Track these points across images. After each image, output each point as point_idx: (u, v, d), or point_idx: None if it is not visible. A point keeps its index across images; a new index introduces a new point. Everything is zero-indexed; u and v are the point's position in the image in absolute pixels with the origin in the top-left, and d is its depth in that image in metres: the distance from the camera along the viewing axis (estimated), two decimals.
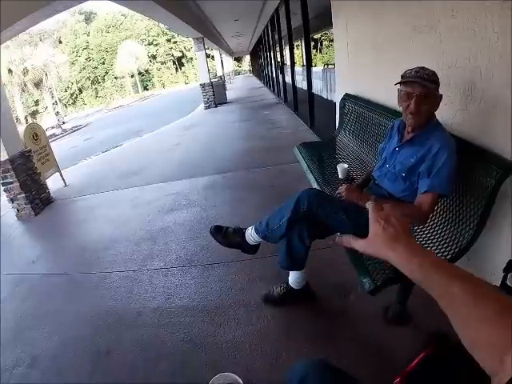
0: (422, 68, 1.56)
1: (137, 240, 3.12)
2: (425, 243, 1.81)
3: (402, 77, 1.61)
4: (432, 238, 1.82)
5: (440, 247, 1.73)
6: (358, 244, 0.65)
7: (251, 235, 1.93)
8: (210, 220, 3.25)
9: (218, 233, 1.99)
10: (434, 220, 1.88)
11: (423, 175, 1.59)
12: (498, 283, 1.07)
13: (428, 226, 1.89)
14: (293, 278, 1.98)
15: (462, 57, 1.77)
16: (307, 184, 2.70)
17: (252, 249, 2.00)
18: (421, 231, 1.90)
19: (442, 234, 1.78)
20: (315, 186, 2.54)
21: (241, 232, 1.97)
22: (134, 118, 15.96)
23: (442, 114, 1.91)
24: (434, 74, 1.56)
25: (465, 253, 1.61)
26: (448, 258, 1.62)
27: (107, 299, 2.36)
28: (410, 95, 1.56)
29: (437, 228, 1.84)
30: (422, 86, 1.52)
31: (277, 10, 9.83)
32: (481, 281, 0.49)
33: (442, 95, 1.61)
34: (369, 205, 0.68)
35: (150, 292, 2.37)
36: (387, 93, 1.74)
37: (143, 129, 10.81)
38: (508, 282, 1.03)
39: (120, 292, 2.42)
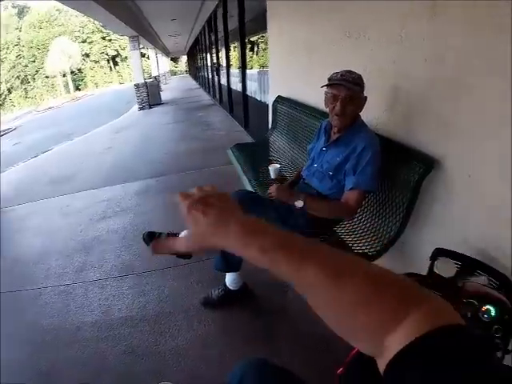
0: (348, 71, 1.63)
1: (69, 252, 2.93)
2: (354, 237, 1.91)
3: (328, 79, 1.68)
4: (361, 231, 1.92)
5: (369, 240, 1.83)
6: (179, 243, 0.51)
7: None
8: (144, 226, 3.16)
9: (151, 239, 1.92)
10: (363, 215, 1.98)
11: (349, 173, 1.66)
12: (427, 269, 1.13)
13: (357, 220, 1.98)
14: (229, 279, 1.99)
15: (388, 60, 1.88)
16: (241, 185, 2.73)
17: (187, 253, 1.95)
18: (350, 226, 2.00)
19: (371, 227, 1.89)
20: (249, 187, 2.56)
21: (175, 237, 1.92)
22: (65, 121, 15.08)
23: (368, 114, 2.00)
24: (359, 77, 1.64)
25: (393, 244, 1.71)
26: (377, 249, 1.72)
27: (43, 316, 2.20)
28: (336, 97, 1.62)
29: (365, 222, 1.94)
30: (347, 88, 1.59)
31: (214, 12, 9.79)
32: (343, 254, 0.41)
33: (366, 97, 1.70)
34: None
35: (86, 306, 2.24)
36: (318, 95, 1.81)
37: (74, 132, 10.23)
38: (435, 269, 1.08)
39: (56, 308, 2.26)
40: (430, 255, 1.22)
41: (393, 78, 1.88)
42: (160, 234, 1.94)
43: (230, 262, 1.84)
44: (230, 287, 2.00)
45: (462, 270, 1.16)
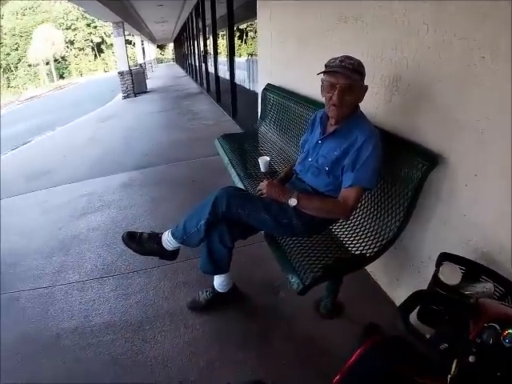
0: (348, 57, 1.48)
1: (48, 251, 2.76)
2: (351, 237, 1.81)
3: (325, 66, 1.53)
4: (358, 231, 1.81)
5: (367, 240, 1.72)
6: None
7: (168, 241, 1.74)
8: (128, 223, 3.02)
9: (132, 240, 1.77)
10: (360, 213, 1.87)
11: (348, 169, 1.52)
12: (426, 270, 1.06)
13: (354, 219, 1.87)
14: (218, 281, 1.87)
15: (389, 47, 1.76)
16: (229, 178, 2.61)
17: (171, 255, 1.81)
18: (347, 225, 1.89)
19: (369, 226, 1.78)
20: (236, 179, 2.45)
21: (157, 237, 1.77)
22: (47, 110, 14.68)
23: (367, 105, 1.88)
24: (359, 63, 1.49)
25: (392, 244, 1.62)
26: (375, 250, 1.62)
27: (22, 324, 2.05)
28: (334, 86, 1.47)
29: (363, 222, 1.83)
30: (345, 76, 1.44)
31: None
32: None
33: (367, 86, 1.56)
34: None
35: (66, 311, 2.10)
36: (310, 83, 1.70)
37: (56, 122, 9.91)
38: (440, 276, 1.01)
39: (34, 313, 2.11)
40: (429, 256, 1.19)
41: (393, 66, 1.76)
42: (141, 234, 1.82)
43: (217, 264, 1.71)
44: (219, 290, 1.89)
45: (467, 276, 1.10)
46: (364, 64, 1.54)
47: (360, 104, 1.62)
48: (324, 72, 1.51)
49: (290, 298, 1.98)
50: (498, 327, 0.71)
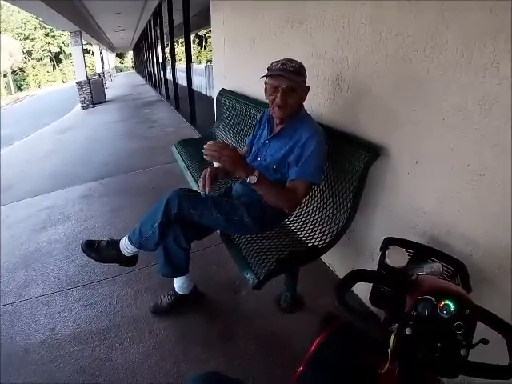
0: (289, 60, 1.54)
1: (11, 267, 2.68)
2: (303, 230, 1.87)
3: (268, 69, 1.58)
4: (310, 224, 1.89)
5: (318, 232, 1.80)
6: None
7: (126, 246, 1.74)
8: (88, 233, 2.98)
9: (91, 248, 1.76)
10: (311, 207, 1.95)
11: (292, 164, 1.57)
12: (378, 257, 1.09)
13: (305, 213, 1.95)
14: (178, 284, 1.89)
15: (331, 48, 1.85)
16: (188, 183, 2.64)
17: (130, 261, 1.82)
18: (299, 219, 1.96)
19: (319, 219, 1.86)
20: (193, 184, 2.48)
21: (115, 244, 1.77)
22: (6, 124, 14.06)
23: (313, 104, 1.98)
24: (300, 66, 1.55)
25: (343, 234, 1.70)
26: (327, 241, 1.69)
27: None
28: (276, 88, 1.53)
29: (314, 214, 1.91)
30: (288, 79, 1.50)
31: (160, 5, 9.49)
32: None
33: (309, 87, 1.63)
34: None
35: (32, 325, 2.06)
36: (259, 86, 1.76)
37: (15, 136, 9.57)
38: (386, 260, 1.03)
39: (2, 330, 2.05)
40: (380, 244, 1.19)
41: (335, 65, 1.86)
42: (99, 242, 1.82)
43: (175, 266, 1.73)
44: (180, 292, 1.91)
45: (415, 258, 1.14)
46: (309, 65, 1.62)
47: (306, 103, 1.69)
48: (267, 75, 1.57)
49: (250, 296, 2.03)
50: (432, 299, 0.74)
